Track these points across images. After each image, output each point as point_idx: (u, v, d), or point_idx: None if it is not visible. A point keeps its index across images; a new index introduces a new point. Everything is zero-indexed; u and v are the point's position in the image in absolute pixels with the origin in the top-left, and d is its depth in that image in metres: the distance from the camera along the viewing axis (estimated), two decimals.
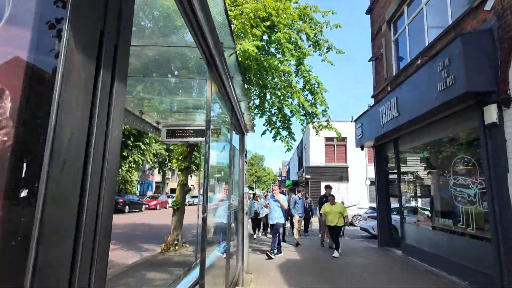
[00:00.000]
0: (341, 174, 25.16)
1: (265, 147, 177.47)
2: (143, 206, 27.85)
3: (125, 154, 29.32)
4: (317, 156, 25.84)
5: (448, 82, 5.29)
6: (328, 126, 8.13)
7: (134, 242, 10.48)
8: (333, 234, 8.47)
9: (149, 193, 42.12)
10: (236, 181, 5.18)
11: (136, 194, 31.92)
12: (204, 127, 5.26)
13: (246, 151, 6.39)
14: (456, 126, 6.18)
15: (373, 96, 10.47)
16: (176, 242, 7.91)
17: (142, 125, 4.87)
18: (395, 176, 10.02)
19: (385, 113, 8.17)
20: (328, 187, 10.16)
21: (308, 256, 8.10)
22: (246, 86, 8.31)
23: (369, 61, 10.43)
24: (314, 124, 8.26)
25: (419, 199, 8.10)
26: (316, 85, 7.67)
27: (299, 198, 10.51)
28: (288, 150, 8.87)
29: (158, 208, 30.80)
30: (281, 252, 8.05)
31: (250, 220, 10.91)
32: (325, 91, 7.68)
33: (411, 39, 8.39)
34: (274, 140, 8.13)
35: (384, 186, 9.94)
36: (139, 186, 46.12)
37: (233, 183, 5.28)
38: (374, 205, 14.53)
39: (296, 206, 10.34)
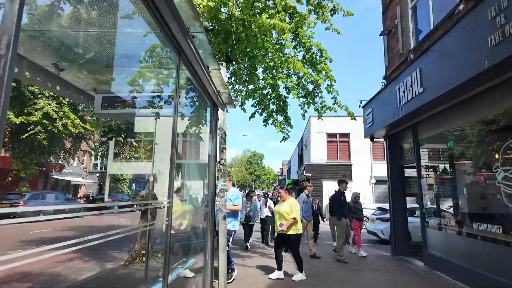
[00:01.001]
0: (344, 172, 23.54)
1: (266, 147, 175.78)
2: (134, 206, 26.27)
3: (116, 151, 27.82)
4: (318, 153, 24.25)
5: (507, 31, 3.71)
6: (336, 103, 6.46)
7: (104, 249, 8.92)
8: (288, 247, 6.27)
9: (143, 192, 40.60)
10: (212, 171, 3.68)
11: (128, 194, 30.39)
12: (159, 94, 3.75)
13: (225, 134, 4.82)
14: (507, 99, 4.58)
15: (385, 78, 8.87)
16: (143, 251, 6.35)
17: (63, 89, 3.31)
18: (412, 171, 8.42)
19: (403, 92, 6.58)
20: (343, 182, 7.73)
21: (324, 269, 6.53)
22: (231, 62, 6.78)
23: (380, 35, 8.84)
24: (316, 105, 6.66)
25: (446, 199, 6.50)
26: (319, 54, 6.09)
27: (307, 196, 8.00)
28: (284, 139, 7.30)
29: None
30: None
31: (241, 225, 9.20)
32: (331, 61, 6.09)
33: (434, 2, 6.79)
34: (265, 125, 6.56)
35: (398, 184, 8.35)
36: (134, 185, 44.67)
37: (207, 173, 3.76)
38: (383, 205, 12.93)
39: (304, 207, 7.72)
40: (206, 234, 3.58)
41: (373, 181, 21.71)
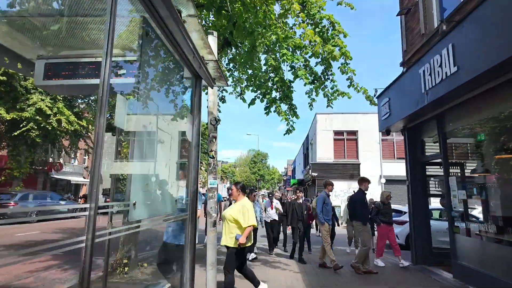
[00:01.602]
0: (352, 172, 22.50)
1: (271, 148, 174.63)
2: None
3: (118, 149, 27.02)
4: (324, 152, 23.24)
5: None
6: (351, 85, 5.41)
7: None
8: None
9: None
10: (193, 163, 2.75)
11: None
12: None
13: (216, 120, 3.89)
14: None
15: (403, 64, 7.89)
16: (126, 260, 5.47)
17: None
18: (436, 168, 7.44)
19: (429, 74, 5.60)
20: (365, 180, 6.62)
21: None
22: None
23: (397, 15, 7.85)
24: (326, 91, 5.70)
25: (480, 200, 5.51)
26: (331, 29, 5.14)
27: (328, 196, 6.81)
28: (288, 132, 6.37)
29: None
30: None
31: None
32: (345, 36, 5.13)
33: None
34: (267, 113, 5.61)
35: (420, 183, 7.35)
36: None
37: (188, 167, 2.85)
38: (397, 206, 11.92)
39: (324, 208, 6.65)
40: (185, 248, 2.66)
41: (383, 181, 20.62)
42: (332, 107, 5.83)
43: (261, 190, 60.26)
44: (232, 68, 7.42)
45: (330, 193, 6.94)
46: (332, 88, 5.65)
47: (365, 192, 6.50)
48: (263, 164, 58.32)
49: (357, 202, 6.54)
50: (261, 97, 5.33)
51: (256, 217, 7.40)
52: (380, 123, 8.33)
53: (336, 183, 23.56)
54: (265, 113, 5.52)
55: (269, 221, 8.31)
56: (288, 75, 5.65)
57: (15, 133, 15.18)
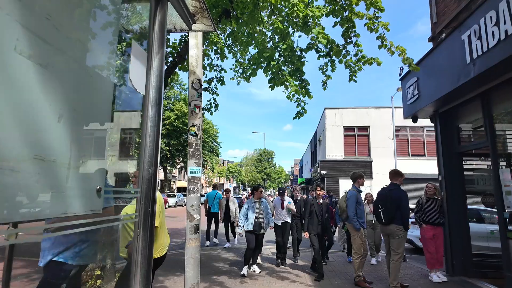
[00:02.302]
0: (364, 169, 21.20)
1: (278, 147, 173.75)
2: None
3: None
4: (334, 149, 22.03)
5: None
6: (383, 45, 4.12)
7: None
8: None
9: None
10: (150, 133, 1.74)
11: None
12: None
13: (201, 83, 2.80)
14: None
15: (432, 38, 6.70)
16: (98, 271, 4.43)
17: None
18: (476, 160, 6.25)
19: (479, 38, 4.43)
20: (398, 174, 5.23)
21: None
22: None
23: None
24: (347, 60, 4.54)
25: None
26: None
27: (359, 192, 5.45)
28: (298, 116, 5.25)
29: None
30: None
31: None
32: None
33: None
34: (272, 87, 4.47)
35: (456, 178, 6.15)
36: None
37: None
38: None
39: (358, 209, 5.28)
40: (134, 263, 1.57)
41: None
42: (356, 81, 4.65)
43: (268, 190, 59.00)
44: (232, 45, 6.34)
45: (359, 185, 5.52)
46: (356, 55, 4.50)
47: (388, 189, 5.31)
48: (269, 163, 57.04)
49: (401, 199, 4.94)
50: (264, 64, 4.20)
51: (264, 218, 5.98)
52: (405, 109, 7.14)
53: (346, 181, 22.39)
54: (269, 87, 4.40)
55: (279, 224, 6.51)
56: (299, 43, 4.55)
57: None
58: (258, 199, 6.05)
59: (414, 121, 7.04)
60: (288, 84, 3.87)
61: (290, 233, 7.04)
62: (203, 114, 6.68)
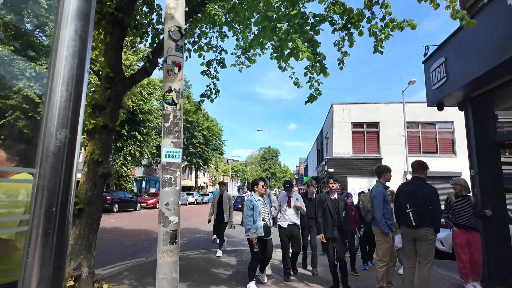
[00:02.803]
0: (373, 167, 20.33)
1: (283, 147, 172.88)
2: (138, 204, 24.09)
3: (119, 145, 25.65)
4: (342, 146, 21.15)
5: None
6: None
7: None
8: None
9: (152, 191, 38.48)
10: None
11: (133, 191, 28.23)
12: None
13: (182, 32, 2.04)
14: None
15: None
16: (71, 282, 3.70)
17: None
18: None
19: None
20: (423, 166, 4.37)
21: None
22: None
23: None
24: (372, 25, 3.73)
25: None
26: None
27: (385, 187, 4.70)
28: (312, 100, 4.47)
29: (157, 207, 27.00)
30: None
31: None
32: None
33: None
34: (278, 59, 3.64)
35: (492, 173, 5.32)
36: (144, 183, 42.72)
37: None
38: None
39: (386, 209, 4.48)
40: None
41: (410, 177, 18.37)
42: (381, 52, 3.82)
43: (273, 189, 58.11)
44: (232, 22, 5.58)
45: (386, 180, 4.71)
46: (382, 20, 3.68)
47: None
48: (274, 161, 56.17)
49: (432, 196, 4.09)
50: (269, 33, 3.40)
51: (269, 219, 4.90)
52: (429, 96, 6.31)
53: (355, 180, 21.52)
54: (274, 58, 3.61)
55: (285, 226, 5.32)
56: (312, 7, 3.73)
57: (0, 122, 13.79)
58: (261, 196, 4.93)
59: (440, 109, 6.21)
60: (298, 49, 3.06)
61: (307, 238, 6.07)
62: (202, 101, 5.92)
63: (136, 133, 25.94)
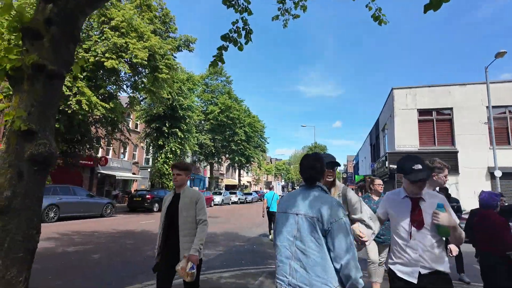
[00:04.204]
0: (447, 163, 16.76)
1: (329, 146, 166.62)
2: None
3: (160, 143, 24.96)
4: (406, 138, 17.88)
5: None
6: None
7: (68, 273, 4.84)
8: None
9: (195, 189, 37.81)
10: None
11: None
12: None
13: None
14: None
15: None
16: None
17: None
18: None
19: None
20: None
21: None
22: None
23: None
24: None
25: None
26: None
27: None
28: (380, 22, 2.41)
29: None
30: None
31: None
32: None
33: None
34: None
35: None
36: (188, 182, 42.18)
37: None
38: None
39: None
40: None
41: (499, 174, 14.58)
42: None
43: None
44: None
45: None
46: None
47: None
48: None
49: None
50: None
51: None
52: None
53: None
54: None
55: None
56: None
57: None
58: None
59: None
60: None
61: None
62: (225, 48, 3.79)
63: (177, 129, 25.03)
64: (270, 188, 11.35)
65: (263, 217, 10.88)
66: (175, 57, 18.68)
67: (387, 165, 18.17)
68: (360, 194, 12.64)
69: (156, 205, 20.20)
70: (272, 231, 10.91)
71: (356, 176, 34.74)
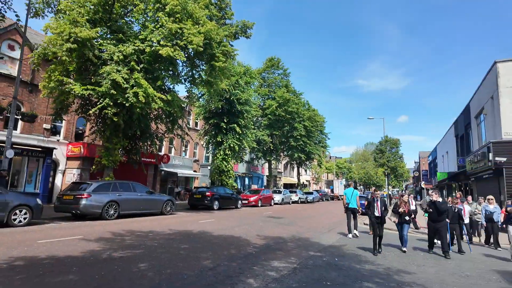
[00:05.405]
0: None
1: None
2: (239, 202, 21.99)
3: (219, 139, 24.24)
4: None
5: None
6: None
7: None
8: None
9: (254, 187, 36.75)
10: None
11: (234, 187, 26.53)
12: None
13: None
14: None
15: None
16: None
17: None
18: None
19: None
20: None
21: None
22: None
23: None
24: None
25: None
26: None
27: None
28: None
29: (259, 205, 24.59)
30: None
31: None
32: None
33: None
34: None
35: None
36: (247, 179, 41.65)
37: None
38: None
39: None
40: None
41: None
42: None
43: (381, 191, 49.02)
44: None
45: None
46: None
47: None
48: (394, 153, 47.54)
49: None
50: None
51: None
52: None
53: None
54: None
55: None
56: None
57: (93, 110, 13.05)
58: None
59: None
60: None
61: None
62: None
63: (235, 125, 24.03)
64: (349, 185, 11.68)
65: (345, 213, 10.52)
66: (231, 44, 17.50)
67: (490, 158, 14.54)
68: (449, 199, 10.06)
69: (216, 202, 19.31)
70: (353, 230, 10.25)
71: (438, 173, 30.00)
